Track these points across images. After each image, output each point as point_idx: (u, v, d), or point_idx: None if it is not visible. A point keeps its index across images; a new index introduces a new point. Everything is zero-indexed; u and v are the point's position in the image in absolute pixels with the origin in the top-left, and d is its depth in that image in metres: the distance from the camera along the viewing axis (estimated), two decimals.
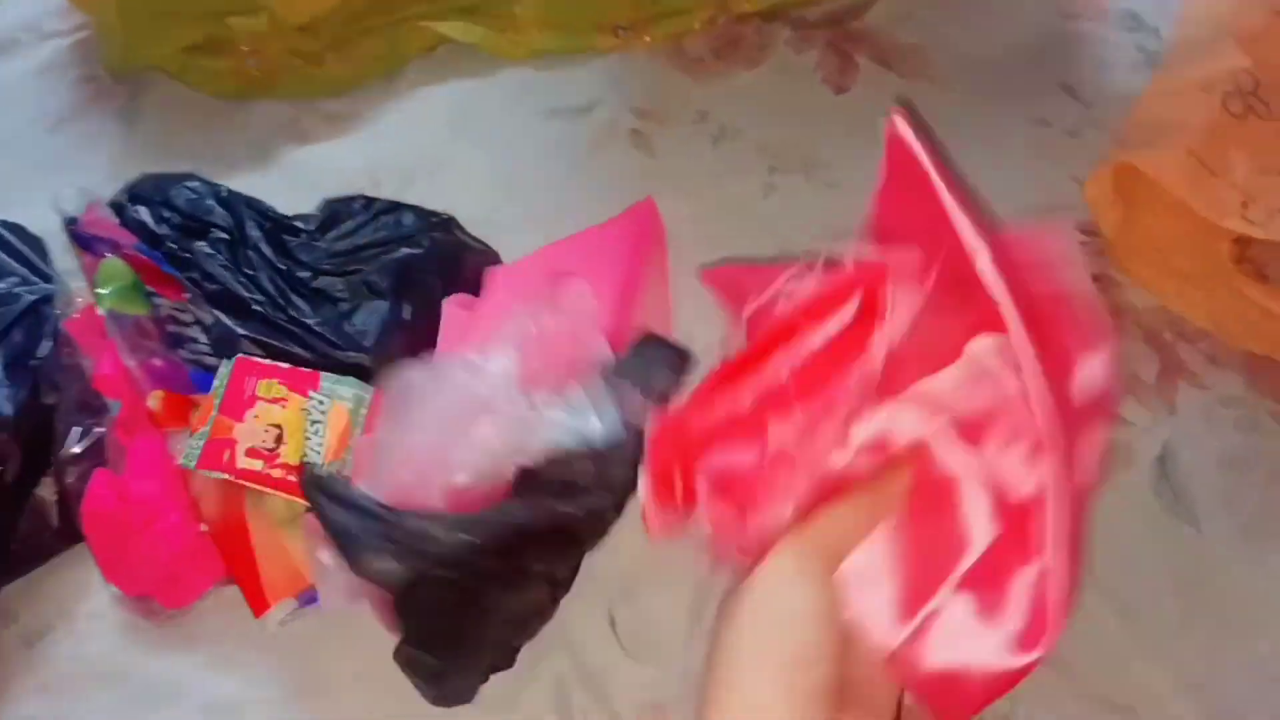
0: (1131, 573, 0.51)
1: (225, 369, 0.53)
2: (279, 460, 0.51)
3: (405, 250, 0.58)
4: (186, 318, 0.56)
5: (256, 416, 0.52)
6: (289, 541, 0.50)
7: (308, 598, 0.50)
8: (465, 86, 0.73)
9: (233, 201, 0.61)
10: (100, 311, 0.54)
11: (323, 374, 0.54)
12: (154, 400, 0.52)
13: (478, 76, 0.74)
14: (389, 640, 0.47)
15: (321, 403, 0.52)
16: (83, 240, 0.58)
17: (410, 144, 0.70)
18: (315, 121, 0.72)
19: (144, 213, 0.60)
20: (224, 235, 0.59)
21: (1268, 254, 0.61)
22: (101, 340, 0.53)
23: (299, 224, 0.61)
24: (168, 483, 0.50)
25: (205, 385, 0.54)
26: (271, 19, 0.73)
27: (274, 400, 0.52)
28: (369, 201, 0.62)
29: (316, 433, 0.52)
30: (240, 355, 0.54)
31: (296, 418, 0.52)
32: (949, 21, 0.75)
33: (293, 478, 0.51)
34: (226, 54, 0.74)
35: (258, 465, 0.51)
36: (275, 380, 0.53)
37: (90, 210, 0.59)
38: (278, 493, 0.51)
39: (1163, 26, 0.73)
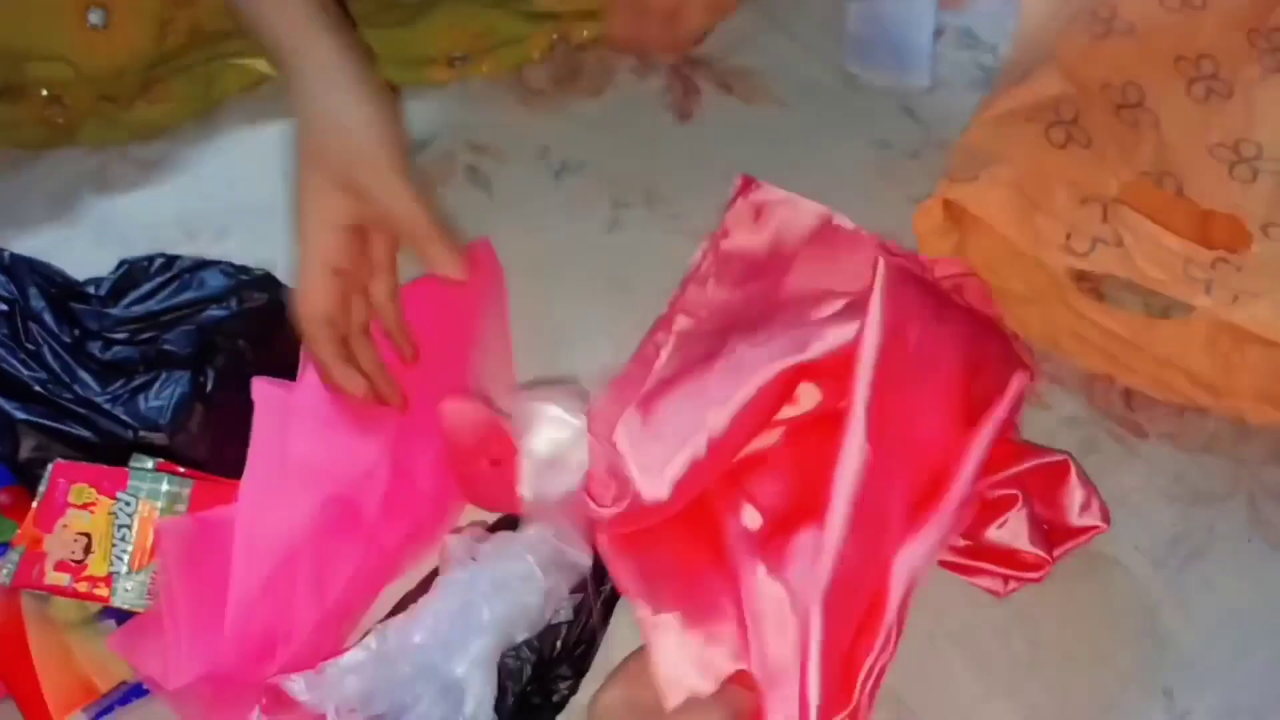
0: (974, 612, 0.50)
1: (46, 474, 0.48)
2: (85, 573, 0.47)
3: (208, 313, 0.54)
4: None
5: (65, 525, 0.48)
6: (78, 647, 0.45)
7: (100, 709, 0.45)
8: (287, 128, 0.69)
9: (14, 266, 0.56)
10: None
11: (133, 471, 0.49)
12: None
13: None
14: None
15: (128, 504, 0.48)
16: None
17: (228, 191, 0.66)
18: (123, 169, 0.67)
19: None
20: (3, 307, 0.54)
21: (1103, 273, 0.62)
22: None
23: (90, 289, 0.56)
24: None
25: None
26: (74, 65, 0.68)
27: (83, 506, 0.48)
28: (169, 260, 0.57)
29: (123, 538, 0.47)
30: (58, 460, 0.49)
31: (104, 523, 0.48)
32: (788, 44, 0.74)
33: (101, 590, 0.47)
34: (24, 101, 0.68)
35: (64, 580, 0.47)
36: (84, 484, 0.49)
37: None
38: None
39: (1000, 43, 0.73)
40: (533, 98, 0.71)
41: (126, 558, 0.47)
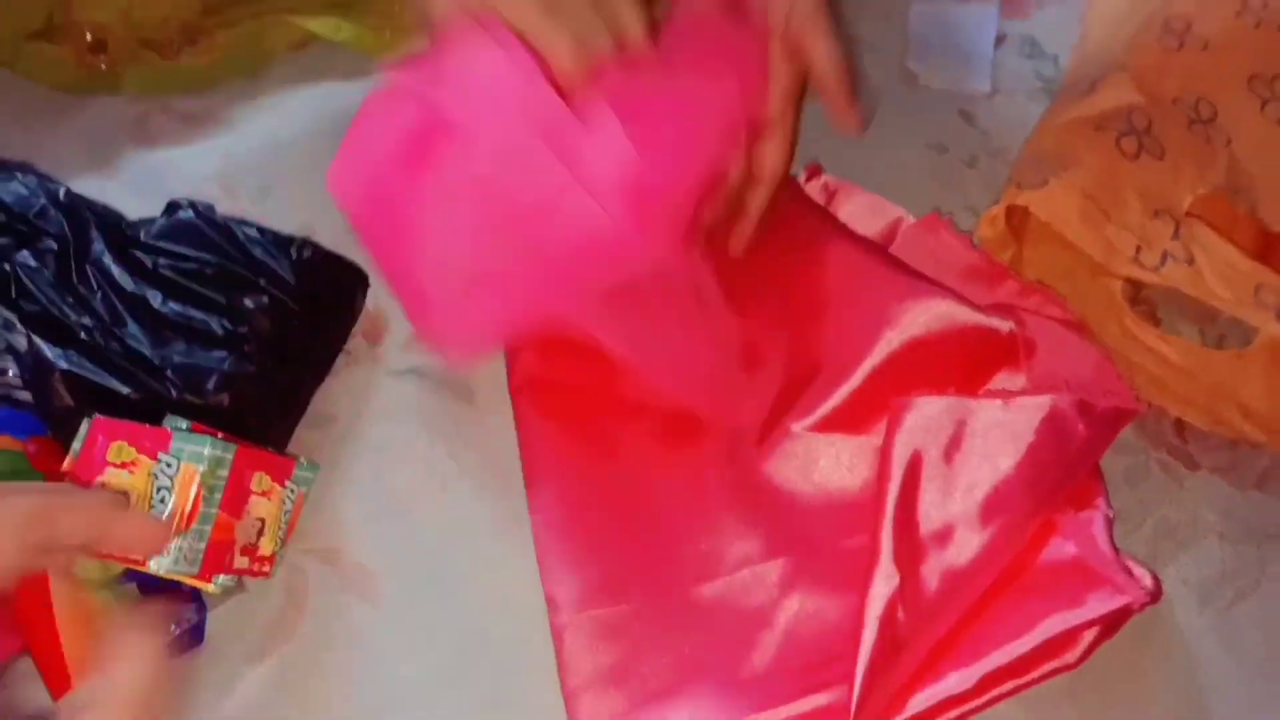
0: None
1: (82, 430, 0.46)
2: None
3: (260, 296, 0.53)
4: None
5: (104, 484, 0.46)
6: (100, 610, 0.44)
7: None
8: (335, 89, 0.67)
9: (74, 205, 0.54)
10: None
11: (175, 432, 0.47)
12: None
13: (349, 78, 0.68)
14: None
15: (169, 465, 0.46)
16: None
17: (271, 150, 0.64)
18: (165, 121, 0.66)
19: None
20: (53, 245, 0.52)
21: (1160, 293, 0.60)
22: None
23: (139, 234, 0.54)
24: None
25: (13, 425, 0.48)
26: (121, 9, 0.66)
27: (123, 465, 0.46)
28: (216, 219, 0.56)
29: (162, 500, 0.46)
30: (97, 415, 0.47)
31: (145, 484, 0.46)
32: (850, 42, 0.72)
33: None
34: (68, 41, 0.67)
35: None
36: (124, 442, 0.46)
37: None
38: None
39: (1061, 54, 0.71)
40: None
41: (167, 519, 0.46)
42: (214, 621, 0.49)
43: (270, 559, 0.48)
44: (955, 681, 0.45)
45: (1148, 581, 0.47)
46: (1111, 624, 0.46)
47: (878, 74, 0.70)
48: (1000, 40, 0.72)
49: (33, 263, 0.52)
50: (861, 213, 0.61)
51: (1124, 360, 0.57)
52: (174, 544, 0.44)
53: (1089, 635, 0.46)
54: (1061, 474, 0.49)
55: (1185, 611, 0.50)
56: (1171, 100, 0.60)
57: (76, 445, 0.46)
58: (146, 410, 0.48)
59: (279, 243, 0.55)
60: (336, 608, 0.50)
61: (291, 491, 0.49)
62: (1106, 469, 0.53)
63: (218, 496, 0.46)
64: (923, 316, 0.53)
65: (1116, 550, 0.48)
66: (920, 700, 0.45)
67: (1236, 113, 0.61)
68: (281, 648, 0.49)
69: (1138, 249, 0.54)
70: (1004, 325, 0.53)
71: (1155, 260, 0.55)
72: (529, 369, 0.55)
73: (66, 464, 0.45)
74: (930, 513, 0.48)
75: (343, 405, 0.55)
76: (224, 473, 0.46)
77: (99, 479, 0.45)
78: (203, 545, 0.45)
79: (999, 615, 0.46)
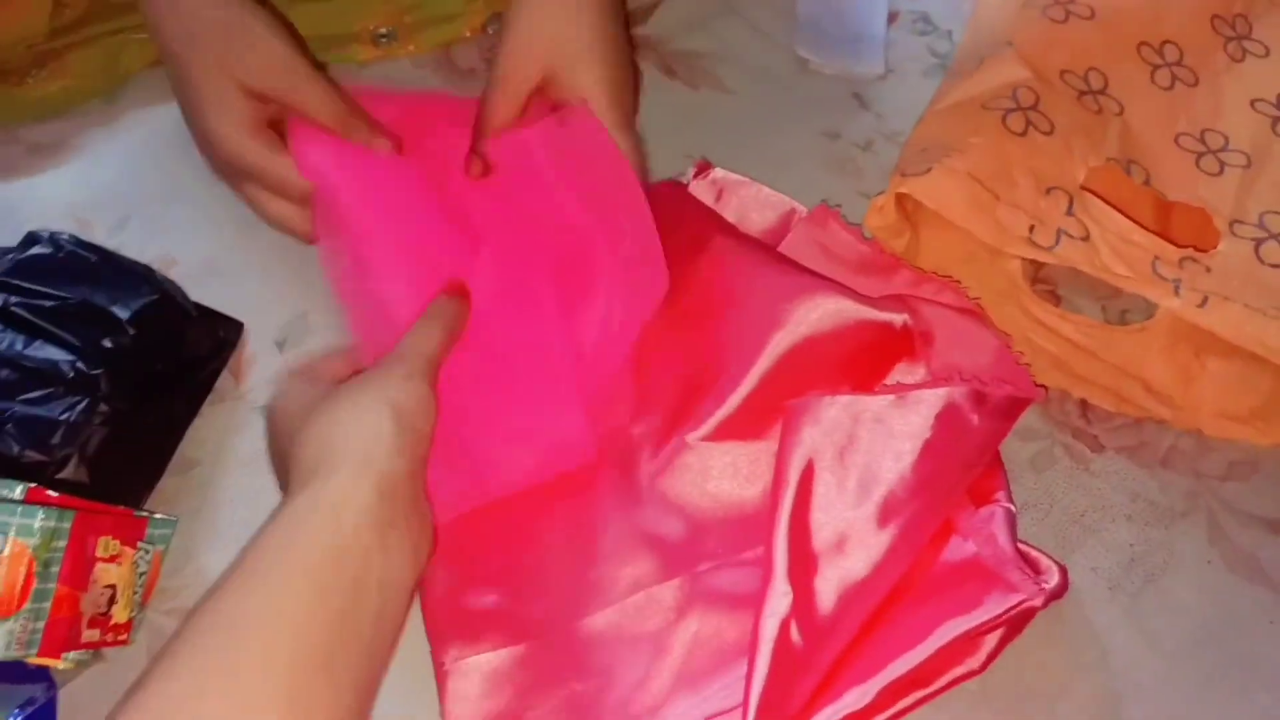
0: None
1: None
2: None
3: (119, 336, 0.49)
4: None
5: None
6: None
7: None
8: None
9: None
10: None
11: None
12: None
13: None
14: None
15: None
16: None
17: (129, 177, 0.61)
18: (14, 153, 0.62)
19: None
20: None
21: (1060, 274, 0.59)
22: None
23: None
24: None
25: None
26: None
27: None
28: (76, 247, 0.52)
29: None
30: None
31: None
32: (739, 27, 0.70)
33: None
34: None
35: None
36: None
37: None
38: None
39: (956, 30, 0.70)
40: (462, 78, 0.67)
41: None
42: (70, 696, 0.45)
43: (127, 626, 0.45)
44: (854, 698, 0.42)
45: (1052, 577, 0.45)
46: (1014, 624, 0.45)
47: (768, 61, 0.68)
48: (893, 18, 0.70)
49: None
50: (752, 207, 0.59)
51: (1026, 343, 0.56)
52: (3, 627, 0.40)
53: (992, 639, 0.44)
54: (960, 468, 0.47)
55: (1095, 601, 0.48)
56: (1060, 73, 0.59)
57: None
58: None
59: (147, 277, 0.52)
60: None
61: (146, 552, 0.46)
62: (1012, 457, 0.52)
63: (55, 570, 0.42)
64: (812, 314, 0.51)
65: (1017, 545, 0.46)
66: None
67: (1126, 80, 0.60)
68: None
69: (1031, 228, 0.53)
70: (898, 318, 0.51)
71: (1050, 239, 0.53)
72: None
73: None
74: (824, 521, 0.45)
75: (206, 449, 0.52)
76: (61, 544, 0.42)
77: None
78: (40, 624, 0.41)
79: (896, 623, 0.44)
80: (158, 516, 0.47)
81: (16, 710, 0.42)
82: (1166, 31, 0.61)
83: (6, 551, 0.40)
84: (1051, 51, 0.59)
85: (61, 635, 0.42)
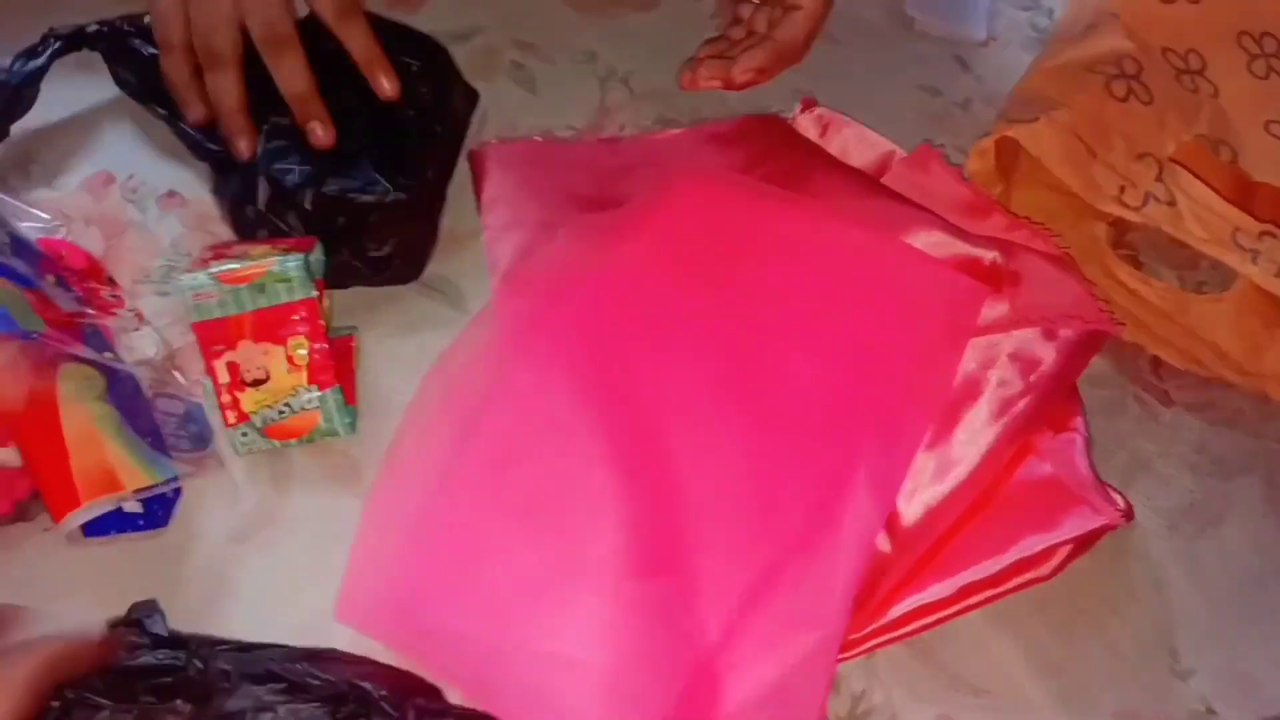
0: None
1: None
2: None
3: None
4: None
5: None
6: (108, 442, 0.44)
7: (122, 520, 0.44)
8: None
9: None
10: None
11: None
12: None
13: None
14: None
15: None
16: None
17: None
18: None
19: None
20: None
21: (1143, 239, 0.61)
22: None
23: None
24: None
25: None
26: None
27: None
28: None
29: None
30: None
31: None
32: None
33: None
34: None
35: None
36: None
37: None
38: None
39: (1056, 8, 0.72)
40: (584, 3, 0.70)
41: None
42: (195, 497, 0.49)
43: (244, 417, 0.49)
44: (936, 591, 0.46)
45: (1121, 504, 0.48)
46: (1085, 541, 0.48)
47: (876, 18, 0.71)
48: None
49: None
50: (853, 145, 0.62)
51: (1108, 301, 0.58)
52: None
53: (1063, 551, 0.47)
54: (1034, 401, 0.50)
55: (1153, 537, 0.51)
56: (1161, 50, 0.61)
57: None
58: None
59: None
60: (319, 495, 0.50)
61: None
62: (1084, 401, 0.54)
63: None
64: (913, 244, 0.54)
65: (1094, 471, 0.49)
66: (899, 608, 0.46)
67: (1223, 65, 0.62)
68: (263, 531, 0.49)
69: (1121, 188, 0.55)
70: (989, 254, 0.54)
71: (1138, 200, 0.56)
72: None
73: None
74: None
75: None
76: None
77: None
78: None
79: (980, 532, 0.47)
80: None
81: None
82: (1266, 23, 0.63)
83: None
84: (1155, 28, 0.62)
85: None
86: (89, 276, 0.51)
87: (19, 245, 0.47)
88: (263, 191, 0.53)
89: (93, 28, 0.57)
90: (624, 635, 0.44)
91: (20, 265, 0.45)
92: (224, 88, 0.53)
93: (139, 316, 0.51)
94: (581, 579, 0.45)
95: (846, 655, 0.46)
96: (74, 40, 0.57)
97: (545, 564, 0.45)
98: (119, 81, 0.59)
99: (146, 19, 0.57)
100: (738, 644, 0.44)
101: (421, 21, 0.62)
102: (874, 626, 0.46)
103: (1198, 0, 0.63)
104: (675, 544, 0.46)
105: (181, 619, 0.43)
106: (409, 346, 0.54)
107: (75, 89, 0.60)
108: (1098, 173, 0.56)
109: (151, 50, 0.56)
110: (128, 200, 0.57)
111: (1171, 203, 0.56)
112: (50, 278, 0.47)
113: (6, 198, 0.51)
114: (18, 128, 0.57)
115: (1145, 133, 0.58)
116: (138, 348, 0.49)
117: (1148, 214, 0.56)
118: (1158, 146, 0.58)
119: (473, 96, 0.61)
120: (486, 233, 0.57)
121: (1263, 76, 0.62)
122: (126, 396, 0.47)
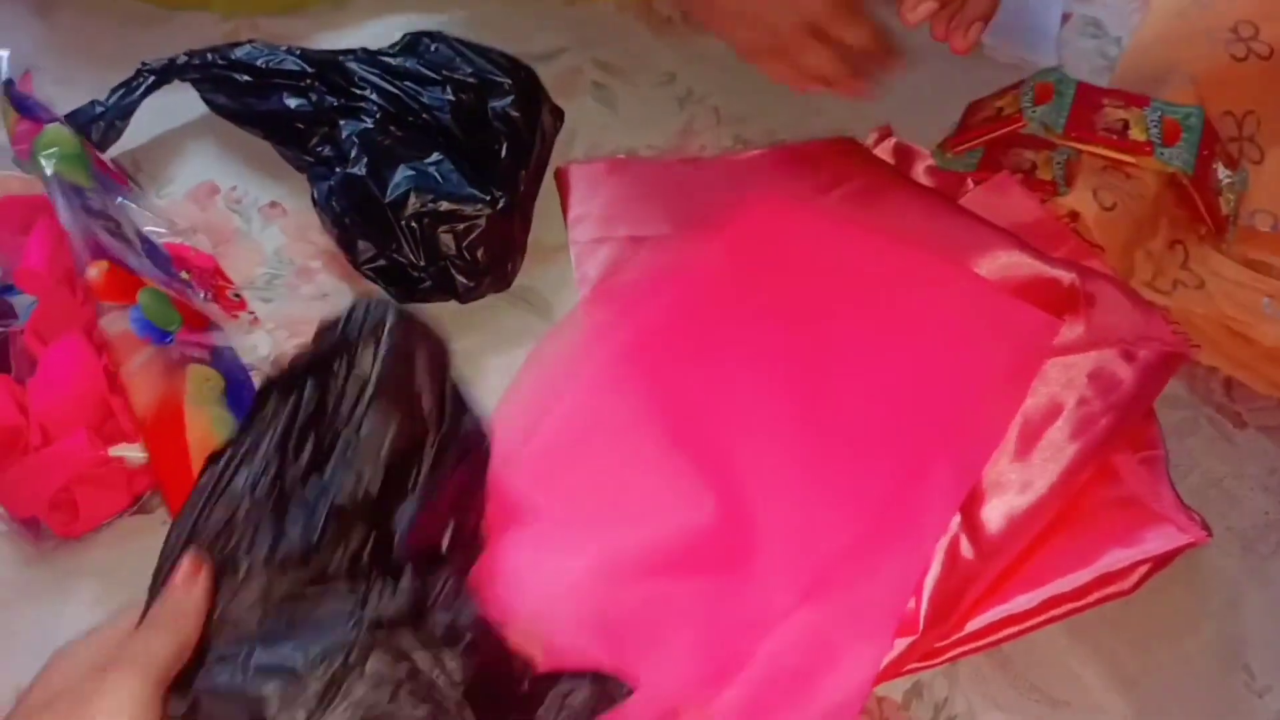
0: None
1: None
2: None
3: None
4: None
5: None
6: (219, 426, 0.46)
7: None
8: (420, 20, 0.69)
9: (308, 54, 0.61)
10: (47, 171, 0.49)
11: None
12: (95, 271, 0.46)
13: (435, 11, 0.70)
14: None
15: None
16: (20, 103, 0.53)
17: None
18: (254, 38, 0.67)
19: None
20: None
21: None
22: (18, 233, 0.48)
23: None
24: (80, 397, 0.45)
25: None
26: None
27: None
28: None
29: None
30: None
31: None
32: None
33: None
34: None
35: None
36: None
37: (25, 80, 0.54)
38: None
39: (1125, 36, 0.74)
40: (661, 25, 0.72)
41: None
42: None
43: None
44: (1022, 602, 0.47)
45: (1200, 523, 0.49)
46: (1165, 559, 0.49)
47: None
48: (1066, 19, 0.74)
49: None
50: (929, 174, 0.63)
51: (1183, 318, 0.59)
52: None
53: (1144, 567, 0.48)
54: (1114, 420, 0.51)
55: (1227, 556, 0.52)
56: (1222, 114, 0.62)
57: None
58: None
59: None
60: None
61: None
62: (1160, 420, 0.55)
63: None
64: (992, 265, 0.55)
65: (1174, 490, 0.50)
66: (984, 618, 0.47)
67: (1277, 125, 0.62)
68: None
69: (1154, 275, 0.58)
70: (1067, 276, 0.55)
71: (1167, 286, 0.58)
72: None
73: None
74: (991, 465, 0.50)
75: None
76: None
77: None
78: None
79: (1064, 547, 0.49)
80: None
81: None
82: None
83: None
84: (1222, 91, 0.62)
85: None
86: (216, 275, 0.53)
87: (150, 247, 0.50)
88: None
89: (182, 59, 0.60)
90: (677, 630, 0.46)
91: (160, 260, 0.48)
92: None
93: (255, 319, 0.53)
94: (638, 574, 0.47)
95: (931, 663, 0.47)
96: (166, 74, 0.60)
97: (597, 557, 0.47)
98: (213, 107, 0.62)
99: (236, 51, 0.60)
100: (784, 637, 0.46)
101: (504, 43, 0.64)
102: (958, 636, 0.47)
103: (1270, 55, 0.63)
104: (733, 546, 0.48)
105: None
106: (500, 359, 0.56)
107: (166, 105, 0.62)
108: (1138, 259, 0.58)
109: (243, 77, 0.59)
110: (231, 210, 0.60)
111: (1200, 285, 0.58)
112: (184, 273, 0.50)
113: (130, 202, 0.53)
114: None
115: (1183, 216, 0.60)
116: (254, 349, 0.51)
117: (1177, 298, 0.58)
118: (1190, 231, 0.60)
119: (559, 115, 0.64)
120: (574, 248, 0.59)
121: None
122: (241, 398, 0.49)
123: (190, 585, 0.35)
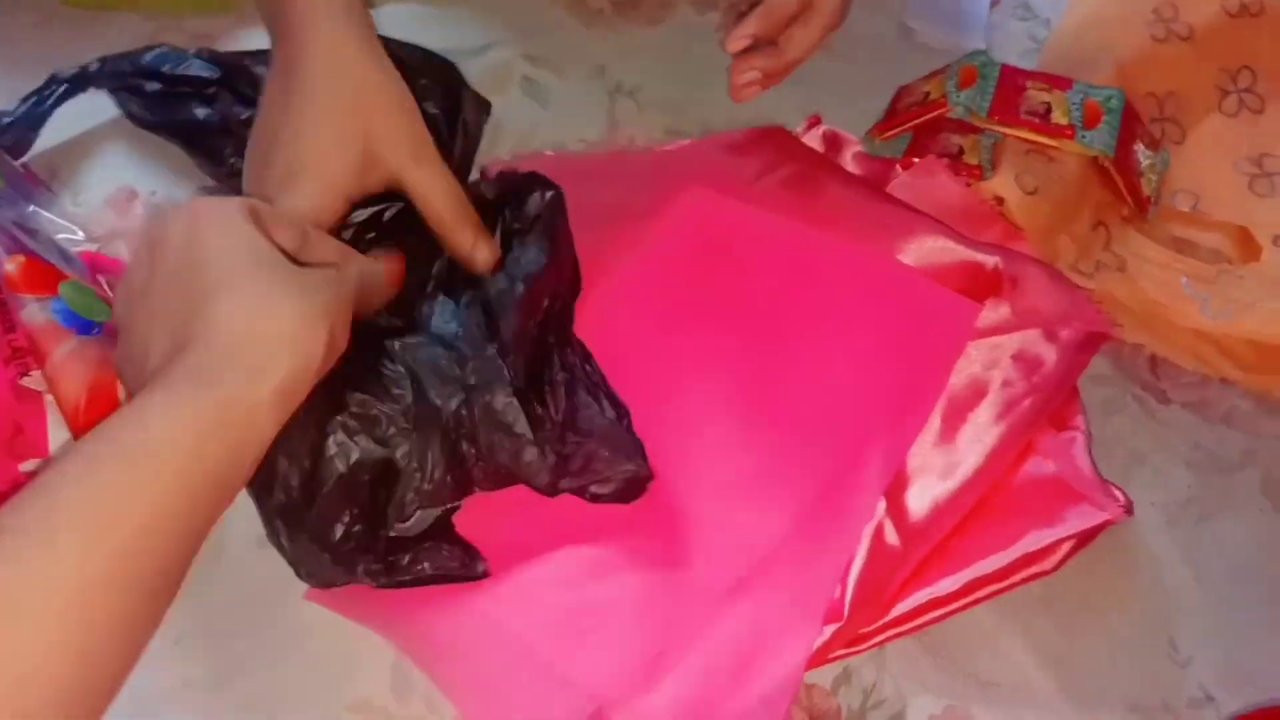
0: None
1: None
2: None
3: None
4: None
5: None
6: None
7: None
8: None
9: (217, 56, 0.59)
10: None
11: None
12: (12, 265, 0.46)
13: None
14: None
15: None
16: None
17: None
18: (177, 40, 0.66)
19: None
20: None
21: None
22: None
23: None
24: None
25: None
26: None
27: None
28: None
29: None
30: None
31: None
32: None
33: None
34: None
35: None
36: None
37: None
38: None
39: (1054, 18, 0.74)
40: (592, 17, 0.72)
41: None
42: None
43: None
44: (945, 585, 0.48)
45: (1121, 499, 0.50)
46: (1087, 536, 0.49)
47: (877, 30, 0.72)
48: (995, 1, 0.74)
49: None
50: (855, 161, 0.64)
51: (1108, 298, 0.60)
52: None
53: (1066, 545, 0.49)
54: (1038, 400, 0.52)
55: (1153, 531, 0.53)
56: (1145, 95, 0.63)
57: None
58: None
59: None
60: None
61: None
62: (1084, 399, 0.56)
63: None
64: (918, 250, 0.55)
65: (1095, 468, 0.50)
66: (909, 603, 0.48)
67: (1198, 106, 0.64)
68: None
69: (1077, 258, 0.58)
70: (990, 260, 0.55)
71: (1090, 268, 0.59)
72: None
73: None
74: (915, 449, 0.51)
75: None
76: None
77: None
78: None
79: (986, 529, 0.49)
80: None
81: None
82: (1247, 56, 0.64)
83: None
84: (1145, 71, 0.63)
85: None
86: None
87: (65, 256, 0.49)
88: None
89: (95, 67, 0.59)
90: (607, 624, 0.46)
91: (76, 269, 0.47)
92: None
93: None
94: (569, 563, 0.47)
95: (858, 649, 0.48)
96: (78, 83, 0.59)
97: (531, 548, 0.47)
98: (128, 114, 0.60)
99: (145, 57, 0.59)
100: (719, 628, 0.46)
101: (433, 39, 0.64)
102: (884, 620, 0.47)
103: (1191, 36, 0.64)
104: (666, 539, 0.48)
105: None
106: None
107: (81, 107, 0.61)
108: (1061, 244, 0.59)
109: (153, 85, 0.58)
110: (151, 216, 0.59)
111: (1121, 268, 0.59)
112: (103, 279, 0.49)
113: (42, 210, 0.52)
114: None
115: (1106, 199, 0.60)
116: None
117: (1100, 280, 0.58)
118: (1113, 212, 0.60)
119: (485, 107, 0.63)
120: None
121: (1233, 114, 0.64)
122: None
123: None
